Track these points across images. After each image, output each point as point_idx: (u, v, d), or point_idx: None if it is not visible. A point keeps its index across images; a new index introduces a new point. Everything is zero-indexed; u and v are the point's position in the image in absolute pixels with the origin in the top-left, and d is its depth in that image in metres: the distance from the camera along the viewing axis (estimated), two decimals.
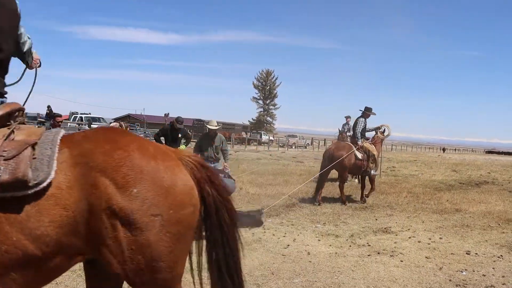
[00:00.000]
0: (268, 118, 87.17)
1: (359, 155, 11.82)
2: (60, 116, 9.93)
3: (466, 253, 7.14)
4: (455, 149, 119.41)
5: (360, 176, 12.76)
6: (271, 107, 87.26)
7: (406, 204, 11.96)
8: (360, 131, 12.16)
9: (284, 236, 7.73)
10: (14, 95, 2.80)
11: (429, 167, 29.26)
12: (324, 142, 63.01)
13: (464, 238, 8.27)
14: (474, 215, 10.72)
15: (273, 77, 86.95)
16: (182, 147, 11.65)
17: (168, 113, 31.89)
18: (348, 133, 16.91)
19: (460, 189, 16.50)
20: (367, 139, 12.54)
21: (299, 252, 6.79)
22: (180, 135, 11.60)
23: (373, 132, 12.88)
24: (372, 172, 12.08)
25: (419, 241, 7.82)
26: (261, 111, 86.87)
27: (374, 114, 12.54)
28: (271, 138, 61.97)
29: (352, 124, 16.82)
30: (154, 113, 78.96)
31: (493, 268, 6.42)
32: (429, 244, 7.69)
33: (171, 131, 11.46)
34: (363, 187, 12.38)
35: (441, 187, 16.83)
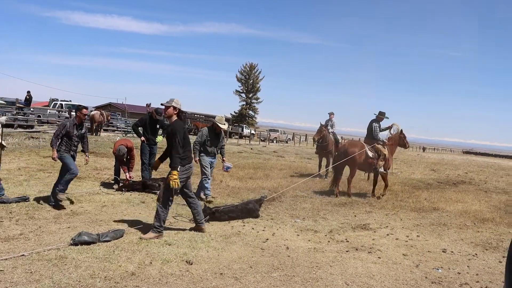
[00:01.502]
0: (250, 112, 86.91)
1: (370, 154, 12.56)
2: (86, 108, 9.37)
3: (442, 251, 7.23)
4: (434, 149, 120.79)
5: (373, 174, 13.37)
6: (253, 100, 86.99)
7: (385, 201, 12.06)
8: (378, 134, 12.91)
9: (263, 230, 7.72)
10: None
11: (409, 165, 29.56)
12: (306, 138, 63.24)
13: (441, 236, 8.37)
14: (451, 214, 10.86)
15: (257, 70, 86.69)
16: (160, 138, 11.53)
17: (150, 103, 31.48)
18: (330, 130, 16.95)
19: (438, 188, 16.70)
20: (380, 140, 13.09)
21: (278, 246, 6.78)
22: (158, 126, 11.49)
23: (387, 132, 13.49)
24: (380, 170, 12.67)
25: (397, 238, 7.88)
26: (243, 105, 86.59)
27: (387, 118, 13.24)
28: (253, 131, 61.77)
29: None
30: (136, 102, 78.40)
31: (468, 266, 6.51)
32: (407, 241, 7.76)
33: (149, 122, 11.32)
34: (374, 184, 13.19)
35: (420, 186, 17.01)
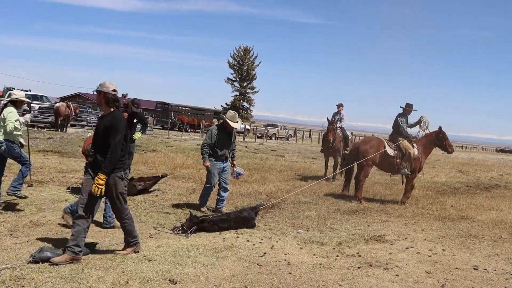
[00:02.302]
0: (245, 104, 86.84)
1: (391, 152, 12.76)
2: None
3: (474, 269, 7.22)
4: (461, 147, 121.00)
5: (402, 176, 13.49)
6: (248, 90, 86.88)
7: (404, 209, 12.06)
8: (405, 128, 13.11)
9: (260, 243, 7.70)
10: None
11: (432, 166, 29.55)
12: (310, 134, 63.30)
13: (471, 251, 8.37)
14: (483, 224, 10.86)
15: (252, 55, 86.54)
16: (138, 134, 11.47)
17: (127, 94, 31.24)
18: (338, 124, 16.96)
19: (467, 193, 16.72)
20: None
21: (278, 261, 6.77)
22: (136, 120, 11.44)
23: (417, 129, 13.67)
24: (404, 171, 12.81)
25: (418, 253, 7.88)
26: (236, 95, 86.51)
27: (416, 110, 13.41)
28: (248, 127, 61.79)
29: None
30: None
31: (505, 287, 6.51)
32: (430, 256, 7.76)
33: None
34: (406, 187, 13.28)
35: (445, 190, 17.04)
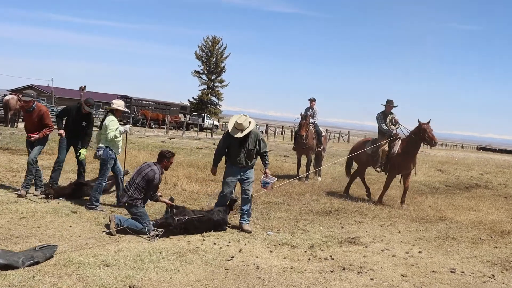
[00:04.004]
0: (213, 98, 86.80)
1: (368, 151, 13.63)
2: (173, 155, 9.32)
3: (451, 271, 7.35)
4: (441, 144, 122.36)
5: (400, 176, 14.07)
6: (217, 84, 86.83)
7: (380, 209, 12.19)
8: (382, 125, 13.63)
9: (228, 246, 7.72)
10: None
11: None
12: (282, 130, 63.44)
13: (449, 253, 8.51)
14: (462, 225, 11.04)
15: (221, 46, 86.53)
16: (83, 152, 10.81)
17: (85, 86, 30.99)
18: (311, 120, 17.02)
19: (446, 193, 16.95)
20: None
21: (246, 265, 6.79)
22: (84, 123, 10.86)
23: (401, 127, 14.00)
24: (377, 169, 13.64)
25: (393, 255, 7.99)
26: (204, 89, 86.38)
27: (396, 106, 13.85)
28: (216, 123, 61.75)
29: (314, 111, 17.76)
30: (66, 85, 77.22)
31: None
32: (406, 259, 7.87)
33: (76, 115, 10.76)
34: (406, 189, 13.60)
35: (423, 190, 17.25)
